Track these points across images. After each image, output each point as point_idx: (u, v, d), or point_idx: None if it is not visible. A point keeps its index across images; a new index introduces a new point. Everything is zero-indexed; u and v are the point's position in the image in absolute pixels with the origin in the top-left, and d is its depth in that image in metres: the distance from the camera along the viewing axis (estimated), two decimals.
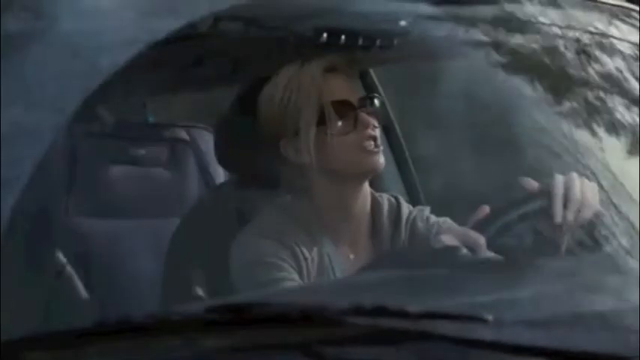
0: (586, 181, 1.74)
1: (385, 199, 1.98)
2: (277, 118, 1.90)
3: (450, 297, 1.18)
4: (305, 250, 1.85)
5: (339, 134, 1.86)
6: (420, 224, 1.95)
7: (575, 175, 1.74)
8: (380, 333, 0.99)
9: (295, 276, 1.82)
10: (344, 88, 1.89)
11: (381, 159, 1.88)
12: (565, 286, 1.25)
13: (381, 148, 1.88)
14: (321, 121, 1.86)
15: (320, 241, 1.88)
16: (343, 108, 1.87)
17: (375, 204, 1.95)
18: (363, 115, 1.86)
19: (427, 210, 2.00)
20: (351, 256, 1.91)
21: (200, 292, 2.12)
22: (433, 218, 1.97)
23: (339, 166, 1.88)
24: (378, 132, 1.88)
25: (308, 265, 1.85)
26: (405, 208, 1.98)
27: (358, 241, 1.92)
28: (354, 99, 1.88)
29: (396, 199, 1.99)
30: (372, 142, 1.86)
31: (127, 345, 1.00)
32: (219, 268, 2.14)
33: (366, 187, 1.92)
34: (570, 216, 1.70)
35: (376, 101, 1.92)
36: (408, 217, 1.96)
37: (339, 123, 1.86)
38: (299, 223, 1.89)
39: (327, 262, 1.87)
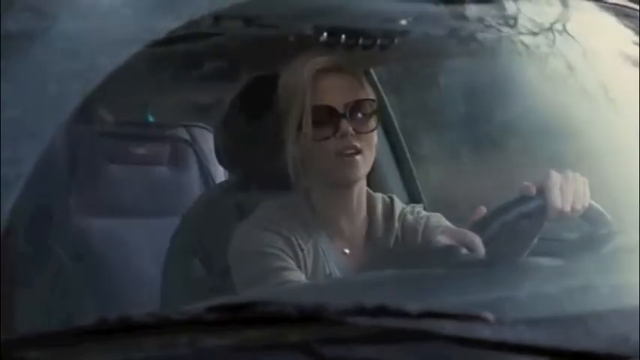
0: (579, 175, 1.75)
1: (380, 197, 1.99)
2: (279, 113, 1.91)
3: (450, 296, 1.18)
4: (301, 242, 1.86)
5: (318, 139, 1.85)
6: (409, 217, 1.97)
7: (569, 170, 1.75)
8: (380, 332, 0.99)
9: (293, 265, 1.84)
10: (334, 91, 1.87)
11: (359, 169, 1.85)
12: (565, 285, 1.25)
13: (361, 157, 1.84)
14: (304, 125, 1.86)
15: (315, 235, 1.89)
16: (324, 113, 1.85)
17: (371, 201, 1.96)
18: (344, 123, 1.84)
19: (419, 206, 2.02)
20: (346, 251, 1.93)
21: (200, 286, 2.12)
22: (423, 212, 1.99)
23: (320, 173, 1.88)
24: (365, 139, 1.85)
25: (304, 256, 1.86)
26: (398, 205, 1.99)
27: (353, 237, 1.94)
28: (340, 103, 1.85)
29: (390, 197, 2.01)
30: (351, 151, 1.84)
31: (127, 344, 1.00)
32: (220, 267, 2.14)
33: (361, 186, 1.93)
34: (567, 206, 1.71)
35: (365, 106, 1.88)
36: (400, 213, 1.97)
37: (320, 129, 1.85)
38: (296, 217, 1.90)
39: (322, 256, 1.88)
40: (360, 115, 1.87)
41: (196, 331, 1.00)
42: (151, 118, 3.15)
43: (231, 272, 1.88)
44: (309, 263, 1.87)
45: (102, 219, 2.54)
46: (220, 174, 2.71)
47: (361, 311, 0.98)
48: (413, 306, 0.99)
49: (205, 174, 2.71)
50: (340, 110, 1.85)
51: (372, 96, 1.91)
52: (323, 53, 1.93)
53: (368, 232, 1.95)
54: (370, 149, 1.87)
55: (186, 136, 2.71)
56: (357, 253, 1.93)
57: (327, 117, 1.85)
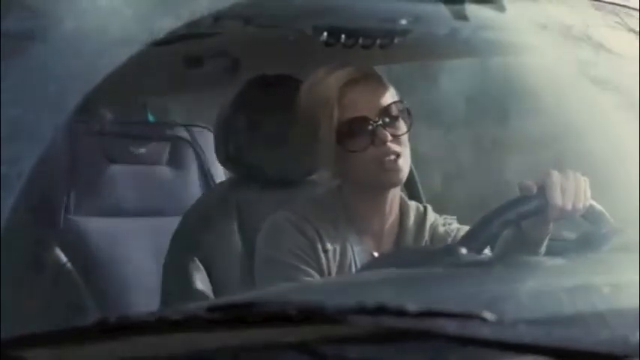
0: (579, 175, 1.75)
1: (414, 205, 2.00)
2: (303, 117, 1.93)
3: (450, 296, 1.18)
4: (327, 242, 1.88)
5: (357, 150, 1.87)
6: (441, 229, 1.98)
7: (569, 170, 1.75)
8: (380, 332, 0.99)
9: (311, 272, 1.86)
10: (363, 102, 1.88)
11: (401, 172, 1.88)
12: (565, 285, 1.25)
13: (402, 160, 1.87)
14: (339, 137, 1.87)
15: (345, 234, 1.91)
16: (360, 124, 1.87)
17: (404, 208, 1.98)
18: (380, 130, 1.86)
19: (452, 219, 2.02)
20: (375, 254, 1.94)
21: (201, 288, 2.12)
22: (455, 224, 1.99)
23: (360, 180, 1.90)
24: (401, 142, 1.87)
25: (328, 258, 1.87)
26: (431, 214, 2.00)
27: (383, 240, 1.95)
28: (372, 113, 1.87)
29: (425, 207, 2.02)
30: (391, 157, 1.86)
31: (127, 344, 1.00)
32: (220, 266, 2.14)
33: (395, 191, 1.94)
34: (568, 204, 1.71)
35: (395, 109, 1.90)
36: (432, 223, 1.98)
37: (357, 140, 1.87)
38: (328, 215, 1.92)
39: (350, 255, 1.90)
40: (392, 118, 1.89)
41: (196, 331, 1.00)
42: (150, 118, 3.15)
43: (254, 270, 1.92)
44: (335, 264, 1.88)
45: (102, 219, 2.55)
46: (220, 174, 2.71)
47: (361, 311, 0.98)
48: (413, 305, 0.98)
49: (205, 174, 2.71)
50: (375, 118, 1.87)
51: (397, 96, 1.92)
52: (345, 64, 1.93)
53: (398, 237, 1.96)
54: (407, 150, 1.89)
55: (186, 136, 2.71)
56: None
57: (362, 127, 1.87)
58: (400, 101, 1.91)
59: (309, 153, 1.96)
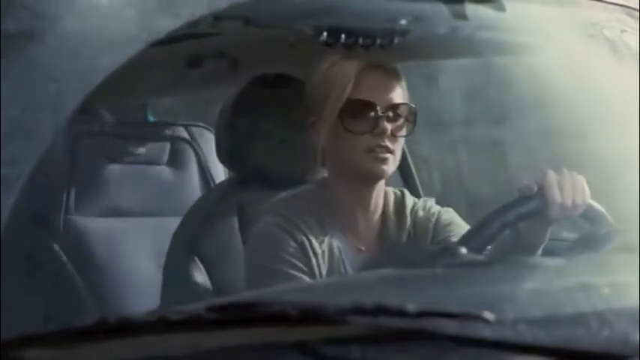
0: (575, 174, 1.76)
1: (391, 192, 2.01)
2: (310, 96, 1.94)
3: (450, 296, 1.18)
4: (315, 244, 1.88)
5: (355, 132, 1.87)
6: (421, 212, 1.98)
7: (565, 169, 1.76)
8: (380, 332, 0.99)
9: (304, 276, 1.85)
10: (377, 89, 1.89)
11: (388, 167, 1.88)
12: (565, 285, 1.25)
13: (392, 157, 1.88)
14: (342, 114, 1.88)
15: (331, 235, 1.91)
16: (365, 108, 1.88)
17: (385, 198, 1.98)
18: (383, 121, 1.87)
19: (430, 201, 2.03)
20: (362, 248, 1.94)
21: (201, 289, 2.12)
22: (435, 208, 2.00)
23: (346, 161, 1.89)
24: (397, 142, 1.88)
25: (318, 260, 1.88)
26: (410, 199, 2.01)
27: (368, 233, 1.96)
28: (382, 102, 1.88)
29: (401, 191, 2.03)
30: (383, 150, 1.86)
31: (126, 344, 1.00)
32: (220, 266, 2.14)
33: (382, 184, 1.94)
34: (568, 200, 1.72)
35: (404, 110, 1.90)
36: (412, 208, 1.99)
37: (358, 122, 1.87)
38: (313, 214, 1.91)
39: (338, 255, 1.90)
40: (398, 117, 1.89)
41: (196, 331, 1.00)
42: (151, 118, 3.15)
43: (245, 277, 1.91)
44: (325, 264, 1.88)
45: (102, 219, 2.55)
46: (220, 174, 2.71)
47: (361, 311, 0.98)
48: (412, 306, 0.98)
49: (205, 174, 2.71)
50: (381, 108, 1.87)
51: (409, 101, 1.93)
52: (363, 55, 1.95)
53: (381, 228, 1.97)
54: (399, 152, 1.90)
55: (186, 136, 2.71)
56: (372, 249, 1.94)
57: (367, 112, 1.88)
58: (411, 105, 1.92)
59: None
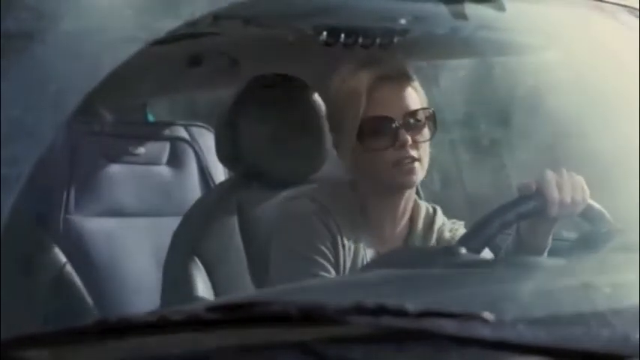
0: (573, 174, 1.76)
1: (424, 206, 2.00)
2: (327, 115, 1.98)
3: (450, 296, 1.18)
4: (345, 240, 1.88)
5: (377, 149, 1.87)
6: (447, 234, 1.98)
7: (563, 169, 1.76)
8: (380, 332, 0.99)
9: (331, 269, 1.86)
10: (391, 101, 1.87)
11: (417, 176, 1.87)
12: (565, 285, 1.25)
13: (419, 164, 1.86)
14: (361, 134, 1.87)
15: (360, 234, 1.91)
16: (382, 123, 1.86)
17: (415, 208, 1.98)
18: (402, 133, 1.85)
19: (460, 224, 2.02)
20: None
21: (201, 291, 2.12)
22: (461, 230, 1.98)
23: (374, 178, 1.90)
24: (421, 148, 1.87)
25: (345, 254, 1.88)
26: (440, 217, 2.00)
27: (394, 241, 1.96)
28: (398, 114, 1.86)
29: (434, 208, 2.02)
30: (408, 160, 1.85)
31: (127, 344, 1.00)
32: (220, 266, 2.14)
33: (410, 193, 1.94)
34: (567, 197, 1.72)
35: (422, 115, 1.89)
36: (440, 226, 1.99)
37: (378, 139, 1.87)
38: (346, 211, 1.91)
39: (363, 255, 1.90)
40: (417, 123, 1.88)
41: (196, 331, 1.00)
42: (150, 118, 3.15)
43: (270, 260, 1.91)
44: (349, 260, 1.89)
45: (101, 219, 2.55)
46: (220, 174, 2.71)
47: (361, 311, 0.98)
48: (413, 305, 0.98)
49: (205, 174, 2.71)
50: (399, 121, 1.86)
51: (426, 102, 1.92)
52: (375, 59, 1.93)
53: (407, 238, 1.97)
54: (426, 156, 1.89)
55: (186, 136, 2.71)
56: None
57: (384, 127, 1.86)
58: (427, 108, 1.90)
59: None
